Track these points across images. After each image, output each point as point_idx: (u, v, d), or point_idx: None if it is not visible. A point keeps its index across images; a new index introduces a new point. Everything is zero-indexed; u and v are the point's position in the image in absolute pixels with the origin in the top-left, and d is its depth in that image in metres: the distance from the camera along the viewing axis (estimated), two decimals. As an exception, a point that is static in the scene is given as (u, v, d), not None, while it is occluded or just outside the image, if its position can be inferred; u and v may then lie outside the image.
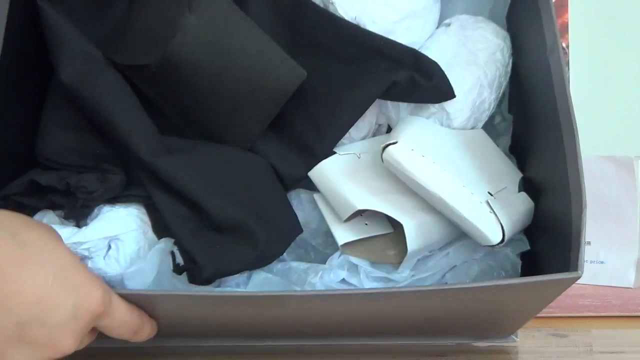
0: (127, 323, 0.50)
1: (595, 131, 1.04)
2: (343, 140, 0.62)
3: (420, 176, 0.55)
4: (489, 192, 0.57)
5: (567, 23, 1.05)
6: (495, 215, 0.55)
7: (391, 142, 0.56)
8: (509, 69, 0.66)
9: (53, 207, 0.57)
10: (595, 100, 1.06)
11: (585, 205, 0.50)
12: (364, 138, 0.64)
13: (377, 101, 0.62)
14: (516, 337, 0.59)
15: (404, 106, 0.64)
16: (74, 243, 0.54)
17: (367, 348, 0.59)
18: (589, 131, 1.04)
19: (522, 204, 0.59)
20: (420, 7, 0.63)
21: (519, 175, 0.62)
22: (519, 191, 0.61)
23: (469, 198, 0.56)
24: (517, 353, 0.58)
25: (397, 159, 0.55)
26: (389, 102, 0.64)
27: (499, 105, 0.67)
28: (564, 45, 1.05)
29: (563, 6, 1.05)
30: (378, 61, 0.62)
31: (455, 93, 0.61)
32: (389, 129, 0.65)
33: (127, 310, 0.49)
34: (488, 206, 0.56)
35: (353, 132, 0.63)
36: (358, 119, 0.61)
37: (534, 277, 0.49)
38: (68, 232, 0.55)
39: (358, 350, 0.59)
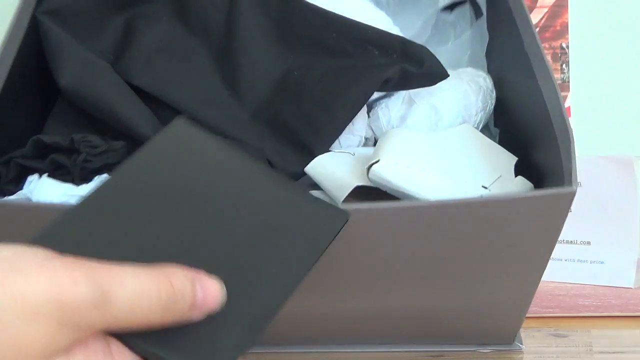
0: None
1: (595, 131, 1.05)
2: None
3: (410, 187, 0.55)
4: (483, 186, 0.57)
5: (567, 23, 1.05)
6: None
7: (374, 161, 0.55)
8: (494, 95, 0.67)
9: (55, 168, 0.56)
10: (595, 100, 1.06)
11: (572, 139, 0.50)
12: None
13: (366, 114, 0.63)
14: (521, 343, 0.59)
15: (394, 113, 0.64)
16: (72, 195, 0.53)
17: (365, 357, 0.59)
18: (589, 131, 1.04)
19: (520, 188, 0.59)
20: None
21: (513, 160, 0.62)
22: (516, 176, 0.60)
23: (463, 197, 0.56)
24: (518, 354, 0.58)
25: (383, 176, 0.55)
26: (378, 111, 0.65)
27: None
28: (564, 45, 1.05)
29: (563, 6, 1.05)
30: (369, 54, 0.62)
31: (443, 93, 0.62)
32: (376, 142, 0.66)
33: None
34: None
35: (344, 144, 0.63)
36: (353, 117, 0.62)
37: (527, 192, 0.49)
38: (68, 188, 0.54)
39: (355, 358, 0.58)
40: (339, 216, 0.44)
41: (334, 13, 0.64)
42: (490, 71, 0.70)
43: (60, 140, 0.56)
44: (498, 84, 0.67)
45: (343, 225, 0.44)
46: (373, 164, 0.55)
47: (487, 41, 0.71)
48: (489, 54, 0.71)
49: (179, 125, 0.46)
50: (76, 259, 0.33)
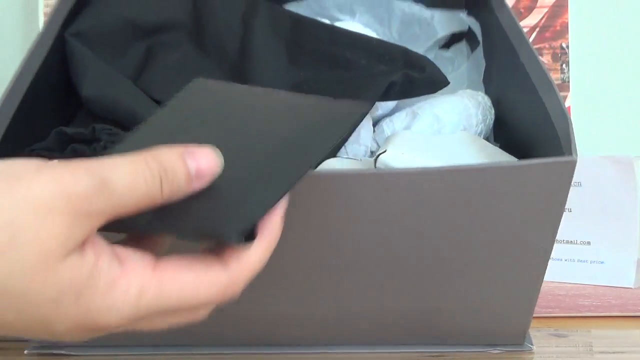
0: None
1: (595, 131, 1.05)
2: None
3: None
4: None
5: (567, 23, 1.05)
6: None
7: (381, 151, 0.58)
8: (493, 112, 0.68)
9: (75, 157, 0.58)
10: (595, 100, 1.06)
11: (570, 120, 0.51)
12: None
13: (371, 126, 0.65)
14: (531, 344, 0.58)
15: (398, 125, 0.66)
16: None
17: (366, 357, 0.58)
18: (589, 131, 1.04)
19: None
20: None
21: (514, 160, 0.63)
22: None
23: None
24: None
25: (391, 164, 0.57)
26: (383, 124, 0.66)
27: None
28: (564, 45, 1.05)
29: (563, 6, 1.05)
30: (373, 63, 0.66)
31: (444, 105, 0.65)
32: None
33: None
34: None
35: (350, 154, 0.65)
36: (361, 121, 0.63)
37: (528, 160, 0.50)
38: None
39: (356, 359, 0.58)
40: (360, 106, 0.48)
41: (340, 27, 0.69)
42: (488, 94, 0.72)
43: (83, 130, 0.58)
44: (496, 103, 0.68)
45: (363, 114, 0.47)
46: (380, 154, 0.57)
47: (483, 68, 0.73)
48: (486, 79, 0.73)
49: (198, 81, 0.50)
50: (67, 160, 0.35)
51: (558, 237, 0.81)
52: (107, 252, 0.35)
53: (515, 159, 0.60)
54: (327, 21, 0.73)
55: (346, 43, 0.67)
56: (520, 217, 0.51)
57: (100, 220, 0.34)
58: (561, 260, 0.82)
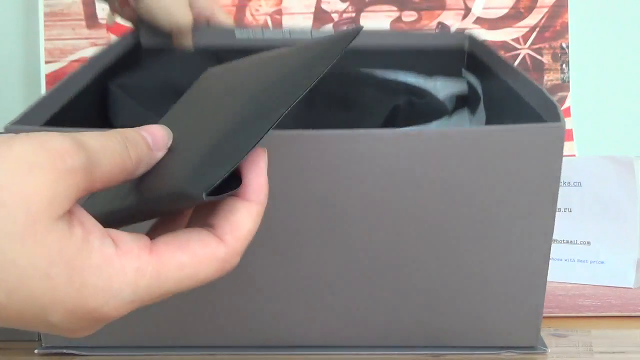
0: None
1: (595, 131, 1.05)
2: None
3: None
4: None
5: (567, 23, 1.05)
6: None
7: None
8: None
9: None
10: (595, 100, 1.06)
11: (556, 105, 0.52)
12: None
13: None
14: (545, 346, 0.58)
15: None
16: None
17: (366, 359, 0.58)
18: (589, 131, 1.05)
19: None
20: None
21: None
22: None
23: None
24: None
25: None
26: None
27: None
28: (564, 45, 1.06)
29: (563, 6, 1.05)
30: (378, 93, 0.73)
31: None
32: None
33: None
34: None
35: None
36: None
37: (517, 124, 0.51)
38: None
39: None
40: (352, 31, 0.45)
41: (346, 70, 0.76)
42: None
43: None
44: None
45: (354, 36, 0.44)
46: None
47: (484, 121, 0.74)
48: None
49: (207, 70, 0.52)
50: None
51: (558, 237, 0.82)
52: (98, 231, 0.34)
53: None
54: None
55: (353, 82, 0.74)
56: (517, 189, 0.51)
57: (82, 180, 0.33)
58: (561, 260, 0.82)
